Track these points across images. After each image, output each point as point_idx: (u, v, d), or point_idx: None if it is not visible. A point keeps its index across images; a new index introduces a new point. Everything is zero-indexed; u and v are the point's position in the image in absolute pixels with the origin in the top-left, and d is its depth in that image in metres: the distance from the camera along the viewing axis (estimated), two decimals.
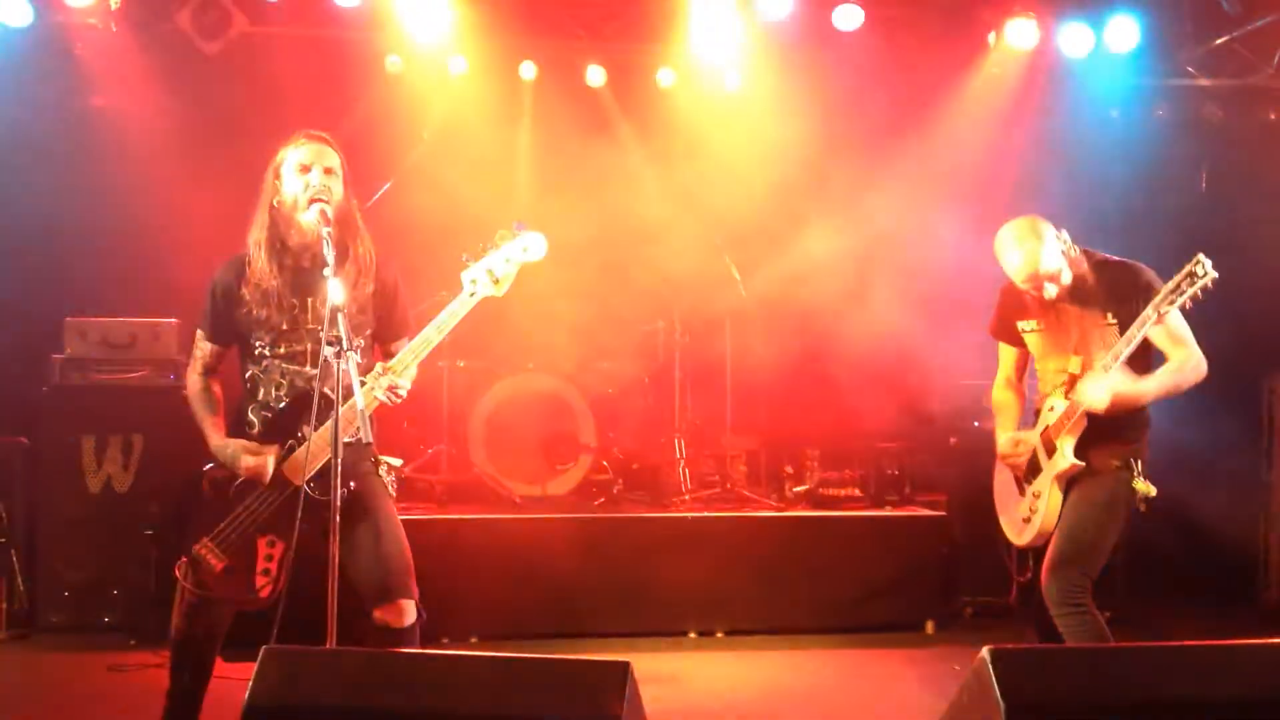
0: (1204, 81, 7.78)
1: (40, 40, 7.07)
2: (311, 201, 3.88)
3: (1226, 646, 2.90)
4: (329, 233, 3.77)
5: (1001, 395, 4.72)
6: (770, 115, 7.99)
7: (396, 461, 4.21)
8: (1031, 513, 4.43)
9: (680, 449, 7.53)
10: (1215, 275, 4.04)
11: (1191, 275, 4.05)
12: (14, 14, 6.82)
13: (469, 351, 7.54)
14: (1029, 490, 4.47)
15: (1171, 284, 4.10)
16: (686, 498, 7.11)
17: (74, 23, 7.09)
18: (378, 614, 3.91)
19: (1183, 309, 4.13)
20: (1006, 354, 4.72)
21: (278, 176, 4.00)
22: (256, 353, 4.03)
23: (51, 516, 6.34)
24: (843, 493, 7.12)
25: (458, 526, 6.36)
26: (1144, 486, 4.29)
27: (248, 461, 3.91)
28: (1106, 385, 4.14)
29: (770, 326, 7.90)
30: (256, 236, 4.02)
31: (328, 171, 3.99)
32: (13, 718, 3.23)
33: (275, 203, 3.99)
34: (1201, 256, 4.06)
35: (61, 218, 7.21)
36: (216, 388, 4.15)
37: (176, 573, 3.94)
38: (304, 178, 3.95)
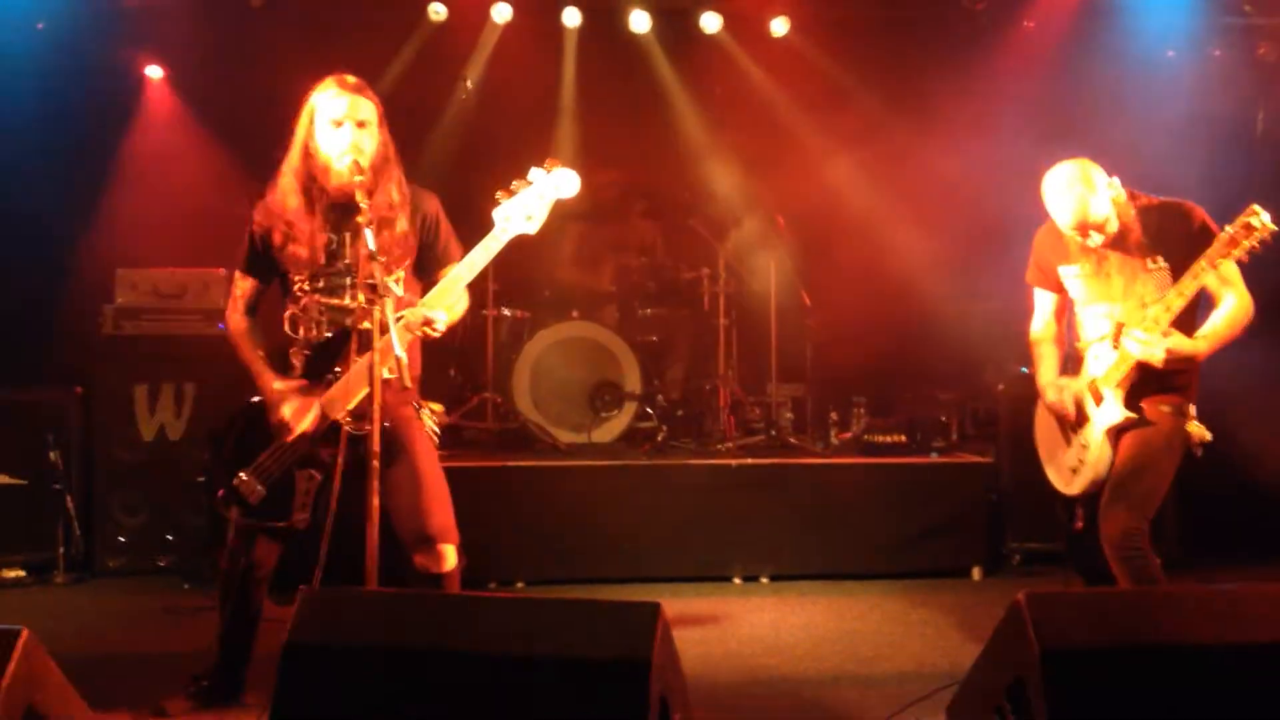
0: (1260, 20, 7.58)
1: None
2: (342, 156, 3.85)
3: (1261, 590, 2.86)
4: (361, 182, 3.76)
5: (1040, 341, 4.65)
6: (817, 62, 7.92)
7: (438, 408, 4.22)
8: (1080, 463, 4.38)
9: (725, 396, 7.54)
10: (1275, 229, 3.95)
11: (1248, 226, 3.96)
12: None
13: (514, 300, 7.58)
14: (1076, 440, 4.41)
15: (1226, 235, 4.00)
16: (731, 445, 7.11)
17: None
18: (418, 559, 3.93)
19: (1239, 262, 4.06)
20: (1044, 300, 4.64)
21: (312, 122, 3.94)
22: (295, 290, 4.02)
23: (107, 464, 6.47)
24: (889, 439, 7.07)
25: (504, 474, 6.41)
26: (1199, 430, 4.25)
27: (280, 414, 3.92)
28: (1162, 344, 4.07)
29: (815, 274, 7.86)
30: (288, 178, 3.98)
31: (360, 125, 3.91)
32: (71, 660, 3.34)
33: (310, 148, 3.95)
34: (1257, 207, 3.97)
35: (113, 169, 7.30)
36: (258, 327, 4.15)
37: (217, 506, 3.99)
38: (336, 133, 3.88)
